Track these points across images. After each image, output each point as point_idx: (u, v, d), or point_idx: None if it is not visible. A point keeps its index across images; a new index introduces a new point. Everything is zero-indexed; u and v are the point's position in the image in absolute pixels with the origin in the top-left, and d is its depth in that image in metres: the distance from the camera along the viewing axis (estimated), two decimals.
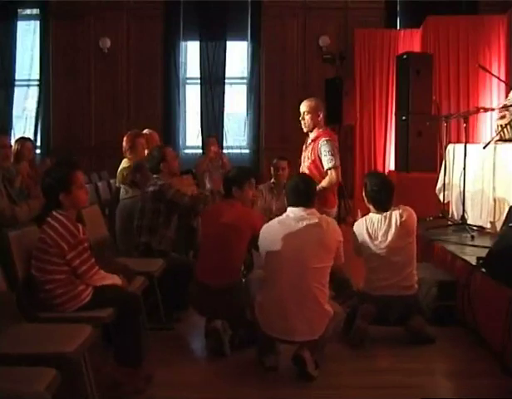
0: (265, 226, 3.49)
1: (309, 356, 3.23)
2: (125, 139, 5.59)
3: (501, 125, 5.35)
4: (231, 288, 3.69)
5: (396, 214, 3.83)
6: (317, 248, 3.29)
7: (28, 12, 9.70)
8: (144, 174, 4.79)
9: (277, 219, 3.48)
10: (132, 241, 4.43)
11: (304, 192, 3.43)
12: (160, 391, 3.15)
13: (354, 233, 3.96)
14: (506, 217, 4.23)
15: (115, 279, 3.26)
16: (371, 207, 3.95)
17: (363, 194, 4.01)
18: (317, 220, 3.35)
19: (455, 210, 5.80)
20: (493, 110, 6.21)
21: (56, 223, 3.04)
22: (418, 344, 3.73)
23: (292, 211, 3.42)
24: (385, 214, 3.86)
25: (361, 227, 3.91)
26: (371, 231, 3.85)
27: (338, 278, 4.00)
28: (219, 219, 3.81)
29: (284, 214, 3.46)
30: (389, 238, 3.80)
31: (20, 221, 3.92)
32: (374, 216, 3.90)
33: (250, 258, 4.88)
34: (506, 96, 6.06)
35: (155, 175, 4.49)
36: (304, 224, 3.33)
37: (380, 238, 3.82)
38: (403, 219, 3.82)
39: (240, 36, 9.47)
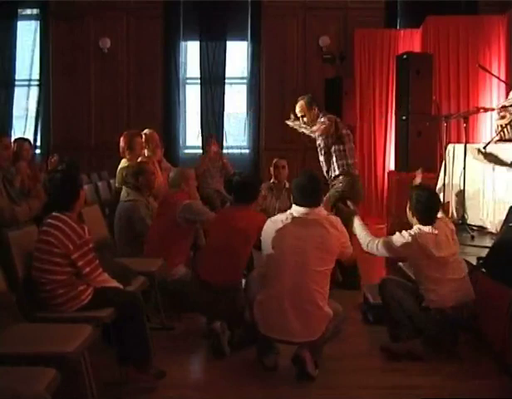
0: (267, 224, 3.42)
1: (309, 356, 3.23)
2: (122, 139, 5.56)
3: (501, 125, 5.36)
4: (232, 287, 3.73)
5: (442, 227, 3.67)
6: (318, 251, 3.24)
7: (28, 12, 9.67)
8: (147, 178, 4.76)
9: (279, 217, 3.40)
10: (131, 242, 4.52)
11: (311, 192, 3.36)
12: (161, 391, 3.16)
13: (407, 245, 3.61)
14: (506, 217, 4.23)
15: (116, 284, 3.27)
16: (414, 220, 3.70)
17: (408, 209, 3.77)
18: (320, 222, 3.28)
19: (455, 210, 5.80)
20: (493, 110, 6.21)
21: (61, 223, 3.05)
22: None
23: (296, 210, 3.35)
24: (433, 225, 3.65)
25: (424, 239, 3.57)
26: (433, 242, 3.57)
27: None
28: (231, 222, 3.83)
29: (288, 212, 3.38)
30: (451, 247, 3.64)
31: (20, 221, 3.92)
32: (425, 228, 3.64)
33: (251, 258, 4.89)
34: (506, 97, 6.06)
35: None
36: (308, 225, 3.27)
37: (442, 249, 3.58)
38: (451, 228, 3.72)
39: (240, 36, 9.45)
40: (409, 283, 3.84)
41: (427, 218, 3.63)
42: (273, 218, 3.46)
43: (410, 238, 3.59)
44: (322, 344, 3.35)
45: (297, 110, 5.04)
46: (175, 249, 4.23)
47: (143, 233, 4.53)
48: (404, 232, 3.66)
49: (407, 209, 3.79)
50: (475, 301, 3.72)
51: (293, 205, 3.39)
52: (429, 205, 3.65)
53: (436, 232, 3.59)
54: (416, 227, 3.64)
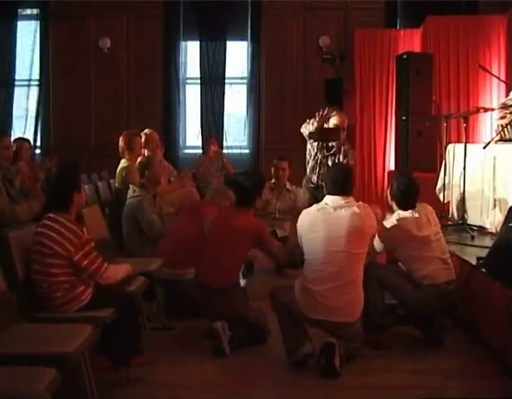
0: (304, 213, 3.60)
1: (337, 347, 3.28)
2: (121, 139, 5.53)
3: (501, 125, 5.35)
4: (230, 288, 3.75)
5: (421, 210, 3.83)
6: (356, 235, 3.41)
7: (28, 12, 9.67)
8: (153, 172, 4.72)
9: (315, 206, 3.59)
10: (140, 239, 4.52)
11: (343, 182, 3.55)
12: (161, 391, 3.16)
13: (390, 231, 3.79)
14: (506, 217, 4.23)
15: (127, 268, 3.29)
16: (394, 204, 3.90)
17: (388, 193, 3.97)
18: (355, 208, 3.47)
19: (455, 210, 5.80)
20: (493, 110, 6.21)
21: (58, 225, 3.03)
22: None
23: (330, 199, 3.52)
24: (413, 210, 3.82)
25: (405, 222, 3.76)
26: (415, 224, 3.75)
27: None
28: (227, 224, 3.81)
29: (323, 202, 3.56)
30: (432, 228, 3.81)
31: (20, 221, 3.92)
32: (405, 212, 3.81)
33: (250, 258, 4.90)
34: (506, 96, 6.05)
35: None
36: (343, 211, 3.45)
37: (424, 230, 3.75)
38: (430, 210, 3.89)
39: (240, 36, 9.45)
40: (397, 267, 3.98)
41: (406, 202, 3.82)
42: (307, 209, 3.64)
43: (392, 224, 3.78)
44: (354, 337, 3.45)
45: (343, 122, 5.44)
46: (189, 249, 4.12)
47: (150, 235, 4.47)
48: (385, 221, 3.85)
49: (388, 194, 3.98)
50: (475, 300, 3.74)
51: (327, 195, 3.57)
52: (408, 191, 3.84)
53: (417, 215, 3.78)
54: (396, 213, 3.84)
